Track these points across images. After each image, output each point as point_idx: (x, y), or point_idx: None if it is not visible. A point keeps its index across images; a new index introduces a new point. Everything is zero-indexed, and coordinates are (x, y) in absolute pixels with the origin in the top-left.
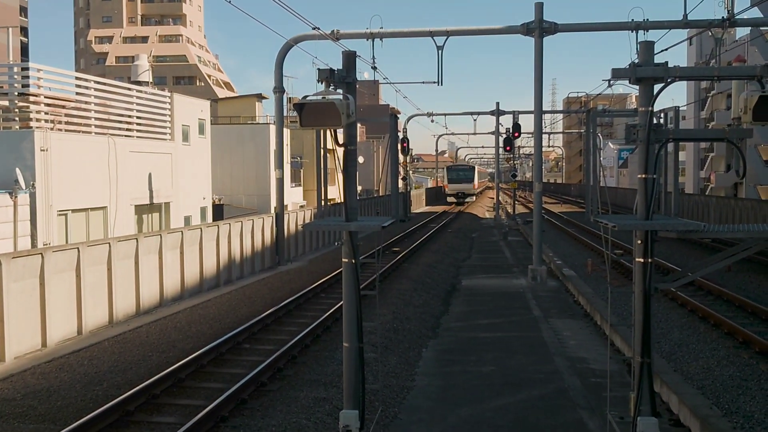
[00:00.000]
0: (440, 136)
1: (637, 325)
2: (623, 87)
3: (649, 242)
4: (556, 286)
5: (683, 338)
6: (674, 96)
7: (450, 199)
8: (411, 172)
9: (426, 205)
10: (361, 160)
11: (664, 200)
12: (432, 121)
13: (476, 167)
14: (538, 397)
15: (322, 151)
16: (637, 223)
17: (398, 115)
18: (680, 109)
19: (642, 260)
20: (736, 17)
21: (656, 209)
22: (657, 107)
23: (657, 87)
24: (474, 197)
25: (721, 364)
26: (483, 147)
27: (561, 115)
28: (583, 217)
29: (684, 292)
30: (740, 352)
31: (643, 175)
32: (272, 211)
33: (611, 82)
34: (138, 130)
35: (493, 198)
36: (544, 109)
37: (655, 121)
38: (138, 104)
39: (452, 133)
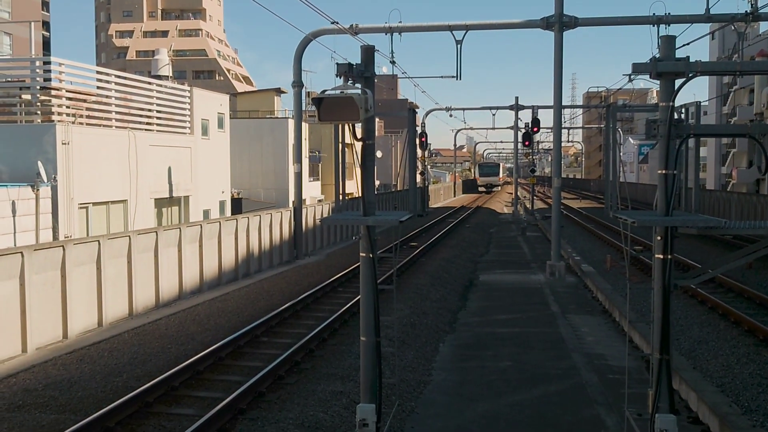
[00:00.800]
0: (459, 130)
1: (656, 321)
2: (644, 82)
3: (669, 238)
4: (575, 282)
5: (703, 335)
6: (696, 91)
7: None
8: (429, 166)
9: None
10: (379, 154)
11: (685, 196)
12: (450, 115)
13: (501, 164)
14: (556, 393)
15: (340, 145)
16: (656, 218)
17: (416, 110)
18: (702, 104)
19: (661, 257)
20: (760, 11)
21: (676, 205)
22: (678, 102)
23: (678, 82)
24: (499, 187)
25: (741, 361)
26: (502, 142)
27: (581, 110)
28: (603, 213)
29: (704, 289)
30: (761, 350)
31: (663, 171)
32: (290, 205)
33: (632, 77)
34: (158, 124)
35: (511, 193)
36: (563, 103)
37: (676, 117)
38: (158, 98)
39: (471, 128)
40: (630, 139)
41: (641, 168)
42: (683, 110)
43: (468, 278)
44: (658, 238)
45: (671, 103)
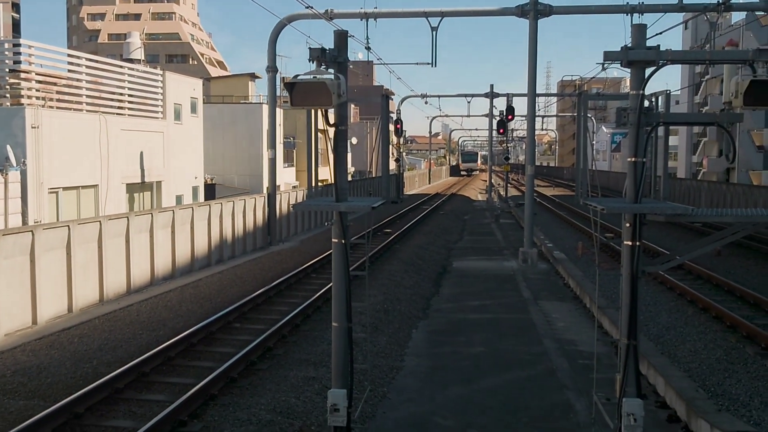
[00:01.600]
0: (434, 117)
1: (624, 307)
2: (618, 71)
3: (637, 225)
4: (547, 268)
5: (671, 321)
6: (669, 81)
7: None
8: (404, 153)
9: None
10: (354, 140)
11: (654, 184)
12: (426, 102)
13: (478, 152)
14: (527, 379)
15: (313, 131)
16: (625, 206)
17: (392, 97)
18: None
19: (630, 243)
20: (732, 2)
21: (646, 193)
22: (649, 91)
23: (649, 70)
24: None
25: (708, 347)
26: (477, 129)
27: (555, 99)
28: (575, 201)
29: (673, 275)
30: (728, 335)
31: (633, 159)
32: (264, 191)
33: (604, 65)
34: (130, 108)
35: (485, 180)
36: (537, 92)
37: (646, 105)
38: (130, 82)
39: (446, 115)
40: (603, 127)
41: (614, 156)
42: (654, 99)
43: (441, 265)
44: (627, 224)
45: (641, 92)
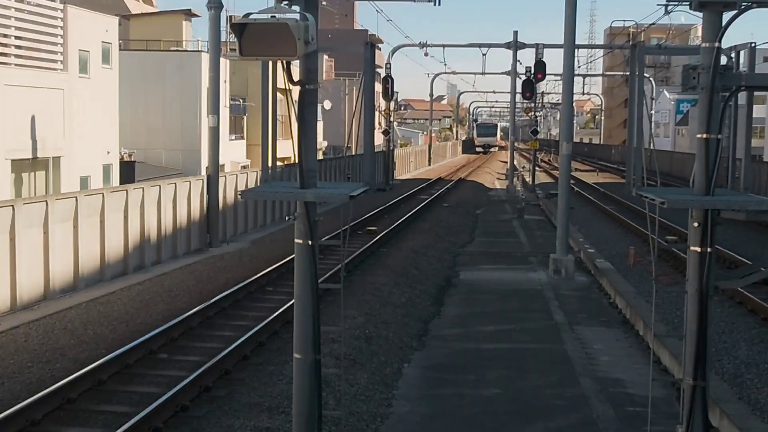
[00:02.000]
0: (437, 75)
1: (690, 336)
2: (686, 15)
3: (709, 225)
4: (587, 282)
5: (753, 356)
6: (755, 30)
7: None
8: (396, 123)
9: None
10: (327, 105)
11: (732, 170)
12: (426, 54)
13: (498, 124)
14: (558, 431)
15: (270, 91)
16: (693, 198)
17: (379, 46)
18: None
19: (698, 249)
20: None
21: (721, 182)
22: (729, 43)
23: (728, 15)
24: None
25: None
26: (494, 92)
27: (601, 52)
28: (625, 191)
29: (755, 293)
30: None
31: (704, 135)
32: (203, 172)
33: (668, 7)
34: (17, 56)
35: (504, 162)
36: (577, 42)
37: (724, 62)
38: (17, 20)
39: (453, 72)
40: (665, 92)
41: (678, 131)
42: (734, 54)
43: (444, 276)
44: (695, 224)
45: (717, 44)
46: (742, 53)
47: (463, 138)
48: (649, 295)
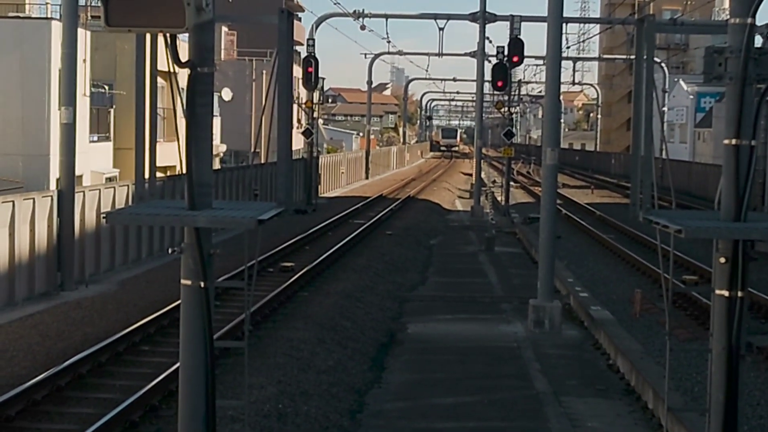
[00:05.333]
0: (377, 56)
1: (715, 409)
2: None
3: (741, 261)
4: (578, 337)
5: None
6: None
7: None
8: (321, 121)
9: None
10: (226, 95)
11: None
12: (363, 28)
13: (458, 130)
14: None
15: (148, 74)
16: (720, 226)
17: (299, 15)
18: None
19: (726, 293)
20: None
21: (756, 203)
22: (764, 18)
23: None
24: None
25: None
26: (455, 80)
27: (597, 29)
28: (629, 214)
29: None
30: None
31: (733, 141)
32: (52, 186)
33: None
34: None
35: (468, 174)
36: (566, 15)
37: (759, 44)
38: None
39: (399, 53)
40: (682, 82)
41: (699, 135)
42: None
43: (387, 330)
44: (722, 260)
45: (750, 20)
46: None
47: (413, 141)
48: (661, 354)
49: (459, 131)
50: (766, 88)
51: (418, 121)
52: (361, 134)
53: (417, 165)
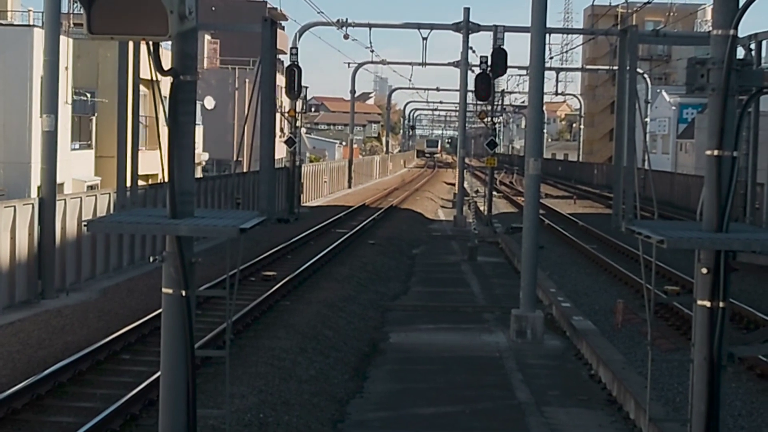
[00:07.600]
0: (360, 65)
1: (697, 420)
2: None
3: (723, 272)
4: (560, 347)
5: None
6: None
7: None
8: (304, 130)
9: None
10: (209, 103)
11: (752, 197)
12: (346, 37)
13: (439, 141)
14: None
15: (131, 82)
16: (701, 236)
17: (282, 23)
18: None
19: (708, 304)
20: None
21: (737, 214)
22: (746, 30)
23: None
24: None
25: None
26: (438, 90)
27: (580, 40)
28: (611, 225)
29: None
30: None
31: (716, 152)
32: (33, 194)
33: None
34: None
35: (451, 184)
36: (549, 25)
37: (741, 55)
38: None
39: (383, 62)
40: (664, 93)
41: (682, 146)
42: (754, 45)
43: (369, 339)
44: (704, 270)
45: (732, 32)
46: (764, 43)
47: (396, 150)
48: (643, 365)
49: (439, 141)
50: (748, 99)
51: (401, 131)
52: (344, 143)
53: (400, 174)
